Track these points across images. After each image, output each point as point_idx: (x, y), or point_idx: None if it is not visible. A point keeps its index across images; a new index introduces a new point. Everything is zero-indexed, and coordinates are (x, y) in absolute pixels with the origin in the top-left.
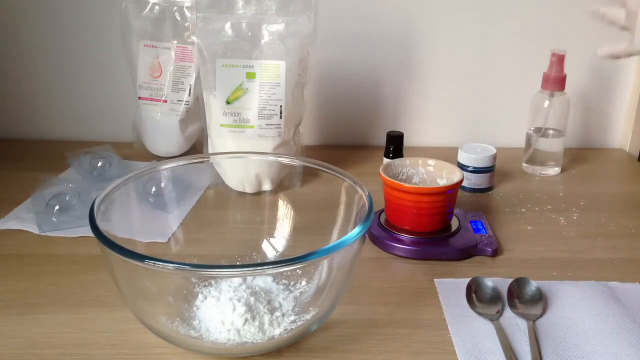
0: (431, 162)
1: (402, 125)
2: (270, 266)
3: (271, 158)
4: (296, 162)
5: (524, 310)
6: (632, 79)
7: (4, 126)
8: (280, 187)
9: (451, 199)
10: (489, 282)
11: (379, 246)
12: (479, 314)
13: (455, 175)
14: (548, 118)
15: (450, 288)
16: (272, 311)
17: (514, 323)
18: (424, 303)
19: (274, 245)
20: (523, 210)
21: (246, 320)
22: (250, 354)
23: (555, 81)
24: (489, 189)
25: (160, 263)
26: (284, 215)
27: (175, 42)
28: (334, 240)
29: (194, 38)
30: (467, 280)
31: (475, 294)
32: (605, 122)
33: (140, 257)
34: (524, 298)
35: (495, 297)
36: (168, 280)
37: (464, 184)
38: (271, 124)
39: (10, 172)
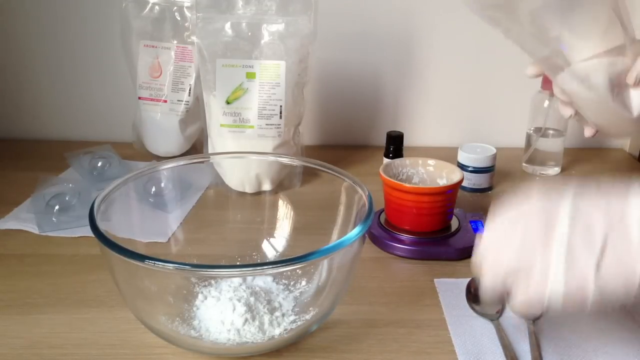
0: (431, 162)
1: (402, 125)
2: (270, 266)
3: (271, 158)
4: (296, 162)
5: None
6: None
7: (4, 126)
8: (280, 187)
9: (451, 199)
10: None
11: (379, 246)
12: (479, 314)
13: (455, 175)
14: (548, 118)
15: (450, 288)
16: (272, 311)
17: (514, 323)
18: (424, 303)
19: (274, 245)
20: None
21: (246, 320)
22: (250, 354)
23: None
24: (489, 189)
25: (160, 263)
26: (284, 215)
27: (175, 42)
28: (334, 240)
29: (194, 38)
30: (467, 280)
31: (475, 294)
32: None
33: (140, 257)
34: None
35: None
36: (168, 280)
37: (464, 184)
38: (271, 124)
39: (10, 172)
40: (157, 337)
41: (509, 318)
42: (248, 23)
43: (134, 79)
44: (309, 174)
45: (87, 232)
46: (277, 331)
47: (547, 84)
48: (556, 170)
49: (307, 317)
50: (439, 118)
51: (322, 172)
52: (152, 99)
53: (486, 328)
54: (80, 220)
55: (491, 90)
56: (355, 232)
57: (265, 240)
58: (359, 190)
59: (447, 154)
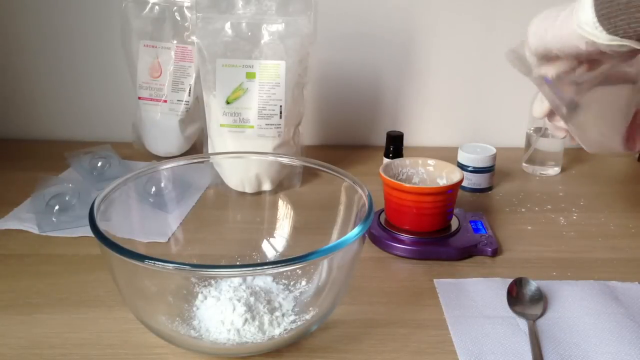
0: (431, 162)
1: (402, 125)
2: (270, 266)
3: (271, 158)
4: (296, 162)
5: (524, 310)
6: None
7: (4, 126)
8: (280, 187)
9: (451, 199)
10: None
11: (379, 246)
12: (519, 314)
13: (455, 175)
14: None
15: (450, 288)
16: (272, 311)
17: (514, 323)
18: (424, 303)
19: (274, 245)
20: (523, 210)
21: (246, 320)
22: (250, 354)
23: None
24: (489, 189)
25: (160, 263)
26: (284, 215)
27: (175, 42)
28: (334, 240)
29: (194, 38)
30: (467, 280)
31: (516, 296)
32: None
33: (140, 257)
34: (524, 298)
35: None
36: (168, 280)
37: (464, 184)
38: (271, 124)
39: (10, 172)
40: (157, 337)
41: (509, 318)
42: (248, 23)
43: (134, 79)
44: (309, 174)
45: (87, 232)
46: (277, 331)
47: None
48: (556, 170)
49: (307, 317)
50: (439, 118)
51: (322, 172)
52: (152, 99)
53: (486, 328)
54: (80, 220)
55: (491, 90)
56: (355, 232)
57: (265, 240)
58: (359, 190)
59: (447, 154)
